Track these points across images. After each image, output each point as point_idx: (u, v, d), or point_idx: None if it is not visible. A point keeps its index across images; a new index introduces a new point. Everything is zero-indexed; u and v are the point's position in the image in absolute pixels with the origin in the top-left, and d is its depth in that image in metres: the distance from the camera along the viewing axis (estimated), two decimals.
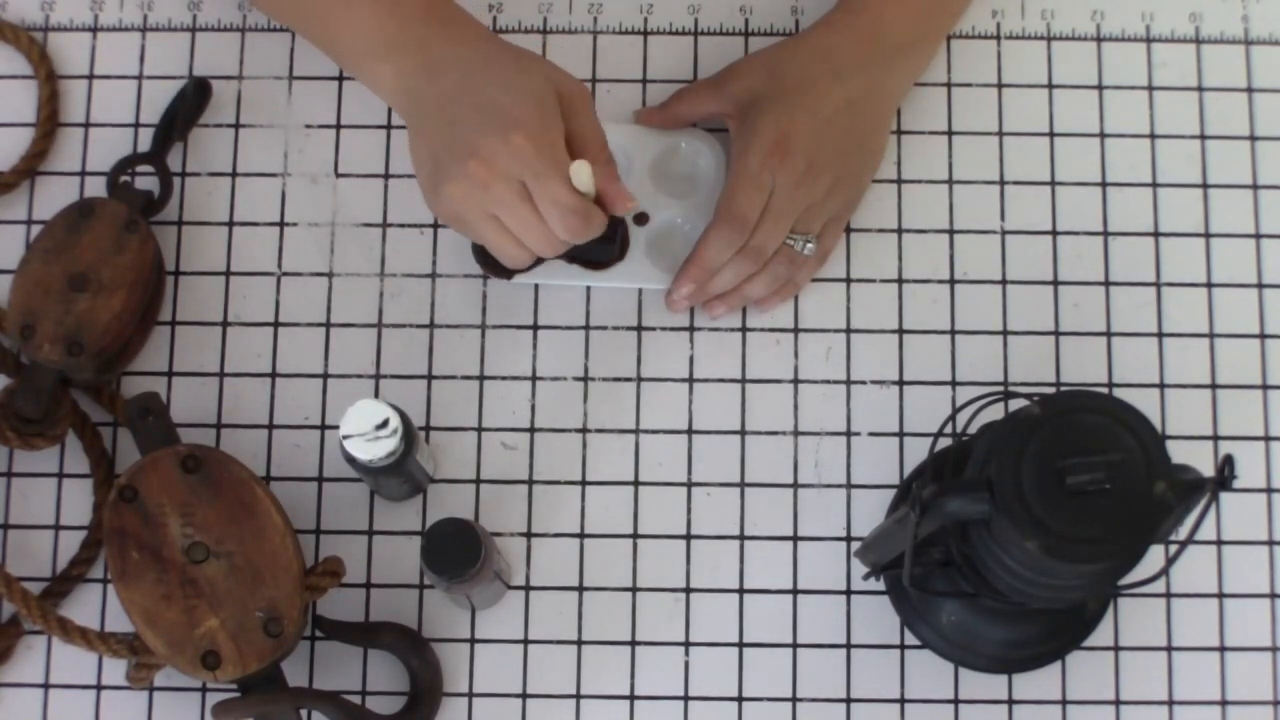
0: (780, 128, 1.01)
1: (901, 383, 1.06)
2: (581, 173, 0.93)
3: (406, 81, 0.96)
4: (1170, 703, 1.02)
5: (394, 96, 0.97)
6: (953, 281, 1.08)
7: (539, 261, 1.00)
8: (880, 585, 1.02)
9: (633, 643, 1.03)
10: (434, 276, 1.07)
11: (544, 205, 0.93)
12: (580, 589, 1.03)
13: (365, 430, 0.93)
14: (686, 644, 1.03)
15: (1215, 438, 1.05)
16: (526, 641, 1.03)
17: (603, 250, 1.02)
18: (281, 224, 1.08)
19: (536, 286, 1.07)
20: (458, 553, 0.92)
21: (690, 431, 1.05)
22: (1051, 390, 1.06)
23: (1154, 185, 1.09)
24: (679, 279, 1.04)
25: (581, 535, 1.04)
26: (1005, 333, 1.07)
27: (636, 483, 1.05)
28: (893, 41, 1.05)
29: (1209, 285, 1.08)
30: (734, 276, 1.03)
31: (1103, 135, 1.10)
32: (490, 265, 1.03)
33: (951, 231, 1.08)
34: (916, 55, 1.07)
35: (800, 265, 1.05)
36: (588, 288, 1.07)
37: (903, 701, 1.02)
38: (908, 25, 1.05)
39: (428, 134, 0.95)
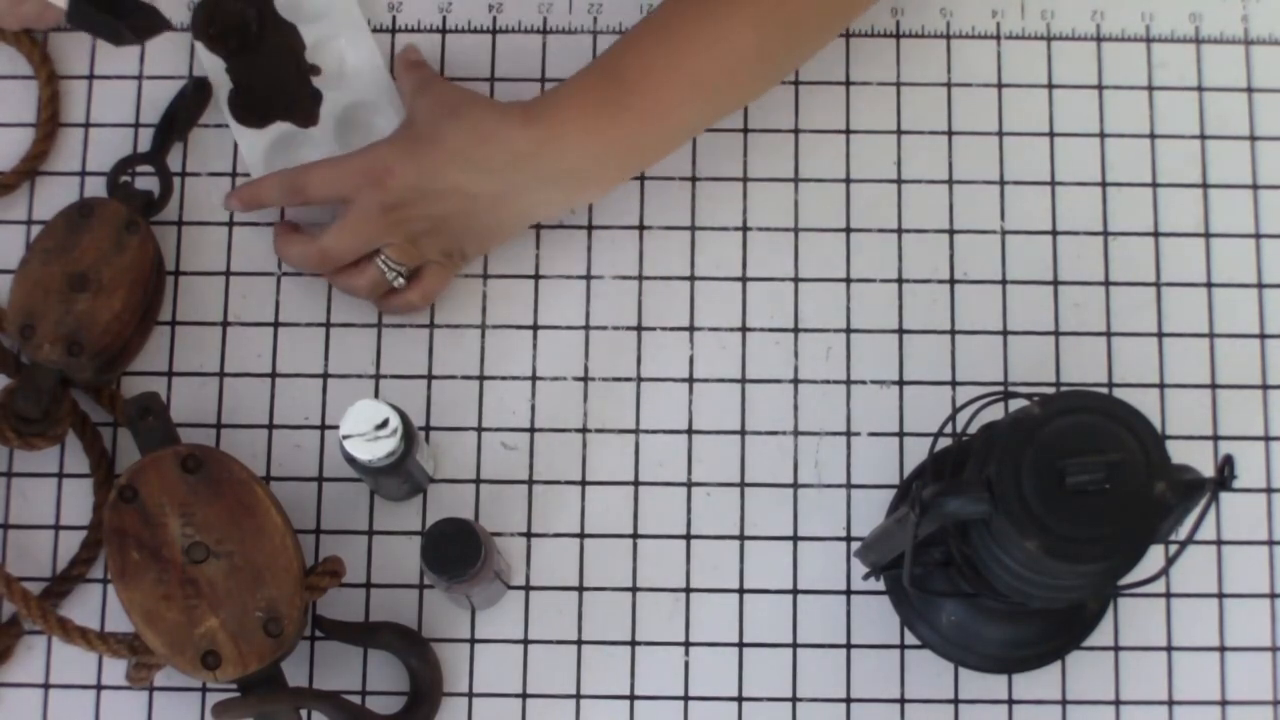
0: (386, 163, 0.99)
1: (901, 383, 1.06)
2: None
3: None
4: (1170, 703, 1.02)
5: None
6: (953, 281, 1.08)
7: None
8: (880, 585, 1.02)
9: (633, 643, 1.03)
10: None
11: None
12: (580, 589, 1.03)
13: (365, 430, 0.93)
14: (686, 644, 1.03)
15: (1215, 438, 1.05)
16: (526, 641, 1.03)
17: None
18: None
19: (537, 285, 1.07)
20: (458, 553, 0.92)
21: (690, 431, 1.05)
22: (1051, 390, 1.06)
23: (1154, 185, 1.09)
24: (233, 193, 1.05)
25: (581, 535, 1.04)
26: (1005, 333, 1.07)
27: (636, 483, 1.05)
28: (565, 163, 1.00)
29: (1209, 285, 1.08)
30: (300, 260, 1.04)
31: (1103, 135, 1.10)
32: (98, 28, 1.00)
33: (951, 231, 1.08)
34: (589, 184, 1.03)
35: (393, 295, 1.04)
36: (588, 286, 1.07)
37: (903, 701, 1.02)
38: (584, 149, 0.99)
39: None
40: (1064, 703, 1.02)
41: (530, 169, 0.99)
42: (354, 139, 1.07)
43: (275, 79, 1.08)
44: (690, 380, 1.06)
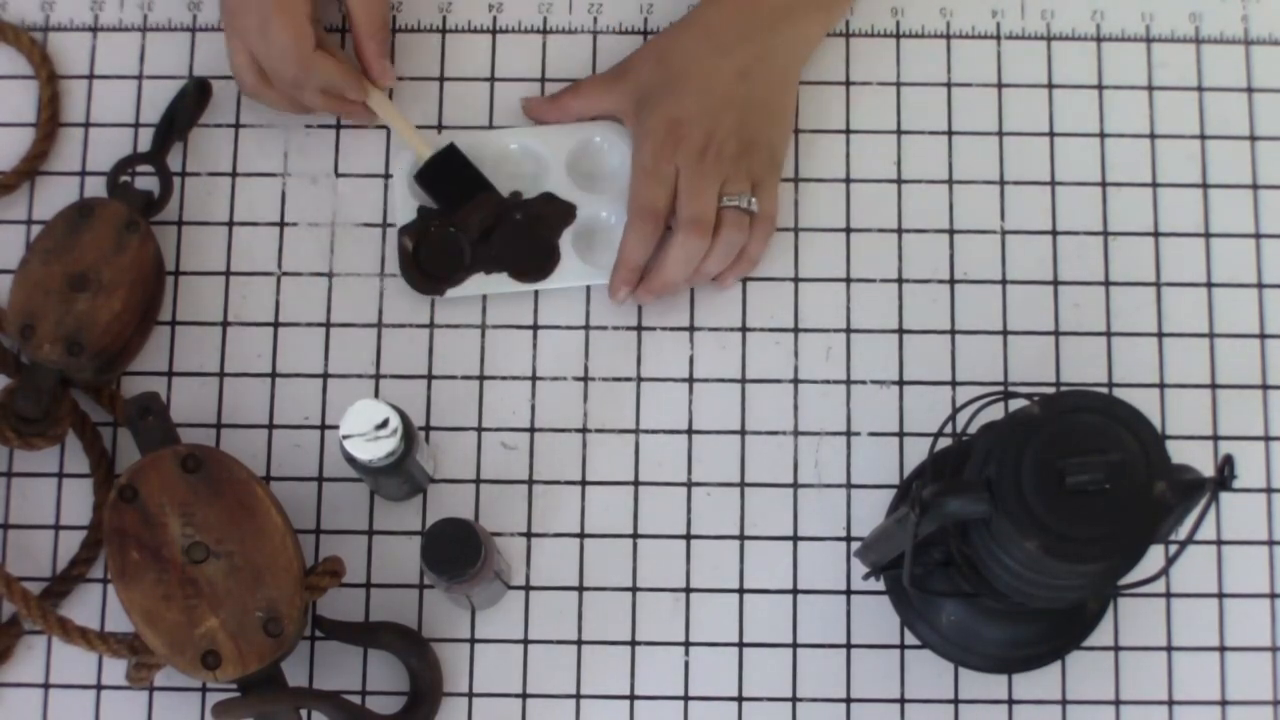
0: (670, 116, 1.03)
1: (901, 383, 1.06)
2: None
3: None
4: (1170, 703, 1.02)
5: None
6: (953, 281, 1.08)
7: (468, 275, 1.05)
8: (880, 585, 1.02)
9: (633, 643, 1.03)
10: None
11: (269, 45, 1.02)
12: (580, 589, 1.03)
13: (365, 430, 0.93)
14: (686, 644, 1.03)
15: (1215, 438, 1.05)
16: (526, 641, 1.03)
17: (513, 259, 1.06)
18: (281, 224, 1.08)
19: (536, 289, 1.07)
20: (458, 553, 0.92)
21: (690, 431, 1.05)
22: (1051, 390, 1.06)
23: (1154, 185, 1.09)
24: (613, 284, 1.05)
25: (581, 535, 1.04)
26: (1005, 333, 1.07)
27: (636, 483, 1.05)
28: (771, 9, 1.06)
29: (1209, 285, 1.08)
30: (686, 256, 1.03)
31: (1103, 135, 1.10)
32: (417, 280, 1.04)
33: (951, 231, 1.08)
34: (803, 19, 1.07)
35: (747, 227, 1.04)
36: (588, 287, 1.07)
37: (903, 701, 1.02)
38: None
39: None
40: (1064, 703, 1.02)
41: (758, 20, 1.05)
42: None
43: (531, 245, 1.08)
44: (690, 380, 1.06)
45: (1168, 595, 1.03)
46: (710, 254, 1.04)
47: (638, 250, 1.04)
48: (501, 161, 1.08)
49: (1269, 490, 1.05)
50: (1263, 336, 1.07)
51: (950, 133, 1.10)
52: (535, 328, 1.07)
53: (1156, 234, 1.08)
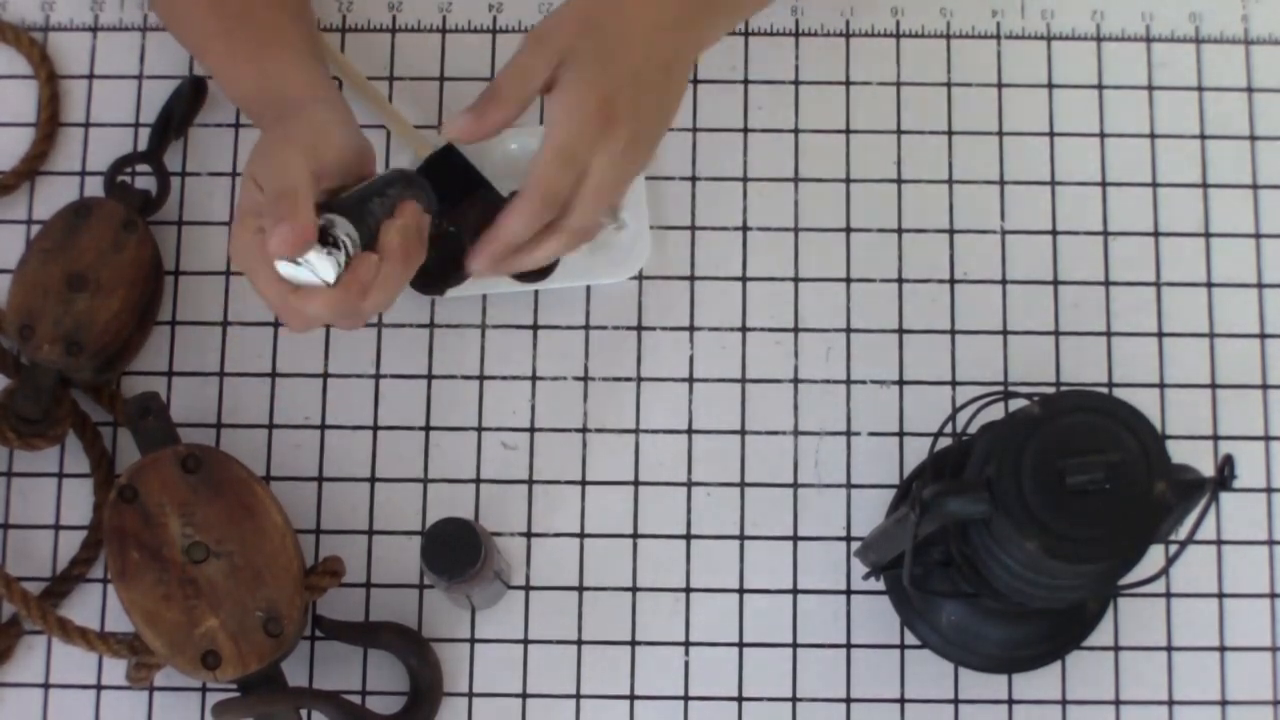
0: (600, 92, 0.88)
1: (901, 383, 1.06)
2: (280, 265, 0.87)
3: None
4: (1170, 703, 1.02)
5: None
6: (953, 281, 1.08)
7: (468, 275, 0.97)
8: (880, 585, 1.02)
9: (633, 643, 1.03)
10: None
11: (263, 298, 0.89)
12: (580, 589, 1.03)
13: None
14: (686, 644, 1.03)
15: (1215, 438, 1.05)
16: (526, 641, 1.03)
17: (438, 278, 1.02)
18: None
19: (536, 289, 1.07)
20: (458, 553, 0.92)
21: (690, 431, 1.05)
22: (1051, 390, 1.06)
23: (1154, 185, 1.09)
24: (478, 252, 0.92)
25: (581, 535, 1.04)
26: (1005, 333, 1.07)
27: (636, 483, 1.05)
28: None
29: (1209, 285, 1.08)
30: (546, 256, 0.93)
31: (1103, 135, 1.10)
32: (417, 280, 1.03)
33: (951, 231, 1.08)
34: (735, 13, 0.98)
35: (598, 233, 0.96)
36: (588, 287, 1.07)
37: (903, 701, 1.02)
38: None
39: None
40: (1064, 703, 1.02)
41: (707, 3, 0.92)
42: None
43: None
44: (690, 380, 1.06)
45: (1168, 595, 1.03)
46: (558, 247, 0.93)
47: (523, 234, 0.90)
48: (501, 162, 1.08)
49: (1269, 490, 1.05)
50: (1263, 336, 1.07)
51: (950, 133, 1.10)
52: (535, 328, 1.07)
53: (1156, 234, 1.08)
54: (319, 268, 0.85)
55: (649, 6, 0.90)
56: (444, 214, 1.06)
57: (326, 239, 0.85)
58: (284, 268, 0.85)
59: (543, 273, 1.06)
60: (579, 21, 0.90)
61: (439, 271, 1.06)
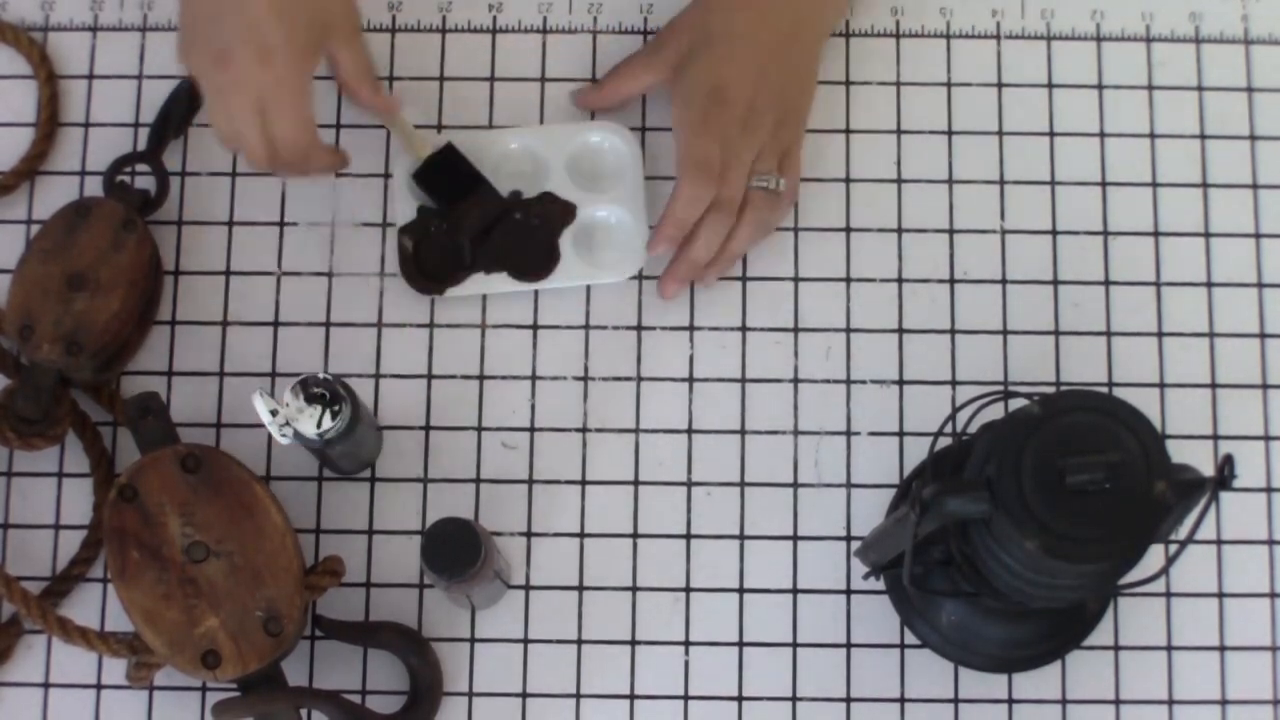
0: (711, 82, 1.02)
1: (901, 382, 1.06)
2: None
3: None
4: (1170, 702, 1.02)
5: None
6: (953, 281, 1.08)
7: (467, 275, 1.05)
8: (880, 585, 1.02)
9: (633, 643, 1.03)
10: None
11: (271, 130, 0.95)
12: (580, 589, 1.03)
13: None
14: (686, 644, 1.03)
15: (1215, 437, 1.05)
16: (526, 641, 1.03)
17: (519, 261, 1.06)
18: (281, 224, 1.08)
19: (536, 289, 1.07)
20: (458, 553, 0.92)
21: (690, 431, 1.05)
22: (1051, 390, 1.06)
23: (1154, 185, 1.09)
24: (655, 240, 1.03)
25: (581, 535, 1.04)
26: (1005, 332, 1.07)
27: (636, 483, 1.05)
28: None
29: (1209, 285, 1.08)
30: (713, 237, 1.03)
31: (1103, 135, 1.10)
32: (418, 280, 1.05)
33: (951, 231, 1.08)
34: None
35: (775, 205, 1.04)
36: (588, 287, 1.07)
37: (903, 701, 1.02)
38: None
39: (192, 9, 0.96)
40: (1064, 702, 1.02)
41: None
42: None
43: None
44: (690, 380, 1.06)
45: (1168, 595, 1.03)
46: (737, 233, 1.03)
47: (690, 208, 1.02)
48: (502, 161, 1.08)
49: (1269, 490, 1.05)
50: (1263, 336, 1.07)
51: (950, 133, 1.10)
52: (535, 327, 1.07)
53: (1156, 234, 1.08)
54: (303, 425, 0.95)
55: (743, 6, 1.04)
56: (444, 212, 1.06)
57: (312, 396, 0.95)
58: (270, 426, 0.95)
59: (543, 272, 1.06)
60: (691, 25, 1.05)
61: (440, 272, 1.06)
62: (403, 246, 1.06)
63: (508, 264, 1.06)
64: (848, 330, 1.07)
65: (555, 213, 1.07)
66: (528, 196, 1.07)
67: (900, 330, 1.07)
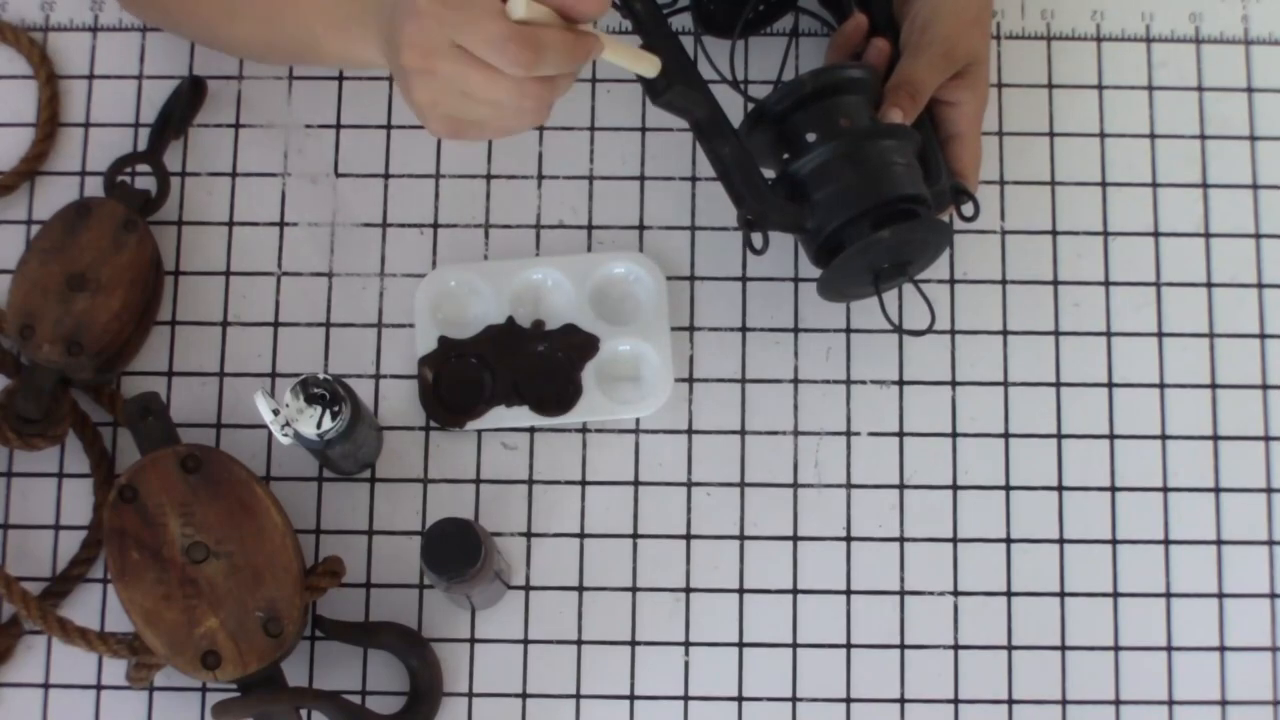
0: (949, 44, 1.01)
1: (901, 383, 1.06)
2: (516, 5, 0.82)
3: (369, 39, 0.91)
4: (1170, 703, 1.02)
5: (374, 58, 0.92)
6: (953, 281, 1.08)
7: (488, 409, 1.03)
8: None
9: (633, 643, 1.03)
10: None
11: (484, 54, 0.83)
12: (580, 589, 1.03)
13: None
14: (686, 644, 1.03)
15: (1215, 438, 1.05)
16: (526, 641, 1.03)
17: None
18: (281, 224, 1.08)
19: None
20: (458, 553, 0.92)
21: (690, 431, 1.05)
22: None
23: (1154, 185, 1.09)
24: (889, 109, 0.99)
25: (581, 535, 1.04)
26: (1005, 333, 1.07)
27: (636, 483, 1.05)
28: None
29: (1209, 285, 1.08)
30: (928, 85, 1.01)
31: (1103, 135, 1.10)
32: (438, 412, 1.04)
33: (951, 231, 1.08)
34: None
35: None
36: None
37: (903, 701, 1.02)
38: None
39: (388, 53, 0.88)
40: (1064, 702, 1.02)
41: None
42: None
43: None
44: (690, 380, 1.06)
45: (1168, 595, 1.03)
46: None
47: (929, 79, 1.00)
48: (524, 290, 1.07)
49: (1269, 490, 1.05)
50: (1263, 336, 1.07)
51: None
52: None
53: (1156, 234, 1.08)
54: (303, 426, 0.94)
55: None
56: (465, 345, 1.04)
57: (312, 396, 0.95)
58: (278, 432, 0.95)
59: (564, 405, 1.04)
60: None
61: (460, 403, 1.04)
62: (423, 377, 1.05)
63: (529, 398, 1.04)
64: (848, 330, 1.07)
65: (578, 345, 1.05)
66: (551, 328, 1.06)
67: (900, 330, 1.07)
